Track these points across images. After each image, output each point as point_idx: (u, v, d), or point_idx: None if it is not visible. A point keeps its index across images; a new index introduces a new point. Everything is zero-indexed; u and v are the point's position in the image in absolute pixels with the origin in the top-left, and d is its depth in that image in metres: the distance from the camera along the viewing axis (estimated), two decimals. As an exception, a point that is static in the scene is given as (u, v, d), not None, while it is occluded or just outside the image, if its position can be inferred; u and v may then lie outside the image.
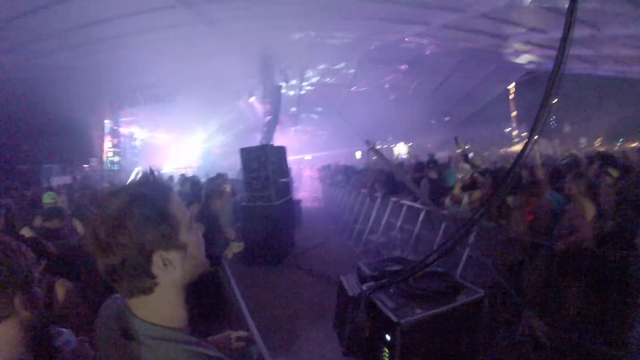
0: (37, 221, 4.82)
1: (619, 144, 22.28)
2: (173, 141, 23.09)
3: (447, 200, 5.41)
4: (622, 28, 13.00)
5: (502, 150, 26.83)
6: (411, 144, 31.30)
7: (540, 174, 4.95)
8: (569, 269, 3.93)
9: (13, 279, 1.17)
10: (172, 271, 0.98)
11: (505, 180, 2.87)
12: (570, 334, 3.77)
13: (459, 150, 6.33)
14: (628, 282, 3.47)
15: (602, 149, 15.52)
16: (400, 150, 30.48)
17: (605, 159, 5.41)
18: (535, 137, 2.60)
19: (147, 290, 0.97)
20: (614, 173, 4.84)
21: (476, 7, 13.50)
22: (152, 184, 1.07)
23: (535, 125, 2.60)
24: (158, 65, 17.64)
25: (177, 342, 0.94)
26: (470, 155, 11.29)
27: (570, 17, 2.34)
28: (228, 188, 8.69)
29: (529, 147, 2.65)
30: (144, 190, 1.01)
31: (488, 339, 4.09)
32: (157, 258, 0.96)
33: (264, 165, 7.40)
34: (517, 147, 30.17)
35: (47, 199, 6.12)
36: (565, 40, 2.39)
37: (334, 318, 3.88)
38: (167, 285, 0.99)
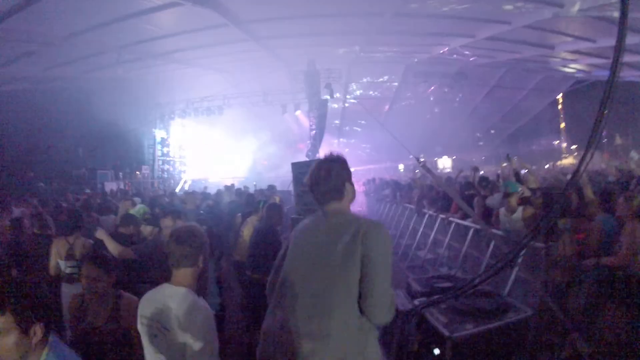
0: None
1: None
2: (221, 152, 23.97)
3: (502, 209, 5.45)
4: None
5: (549, 165, 25.90)
6: (455, 157, 30.88)
7: (589, 194, 4.93)
8: (616, 293, 3.95)
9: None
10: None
11: (558, 204, 2.97)
12: (615, 358, 3.79)
13: (507, 165, 6.35)
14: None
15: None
16: (445, 163, 30.13)
17: None
18: (589, 156, 2.67)
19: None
20: None
21: (521, 18, 13.42)
22: None
23: (590, 142, 2.66)
24: (208, 79, 18.70)
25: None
26: (523, 171, 11.16)
27: (622, 27, 2.43)
28: (277, 199, 9.05)
29: (583, 167, 2.71)
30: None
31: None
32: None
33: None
34: (566, 161, 29.03)
35: (138, 213, 5.88)
36: (619, 50, 2.48)
37: (381, 330, 4.08)
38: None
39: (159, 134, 20.48)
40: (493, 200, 6.03)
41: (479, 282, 3.11)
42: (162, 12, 11.52)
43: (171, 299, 2.06)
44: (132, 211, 5.91)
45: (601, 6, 11.08)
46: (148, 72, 17.34)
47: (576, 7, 11.61)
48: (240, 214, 6.57)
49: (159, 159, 20.62)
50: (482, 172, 11.27)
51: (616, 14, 10.97)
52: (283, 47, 16.00)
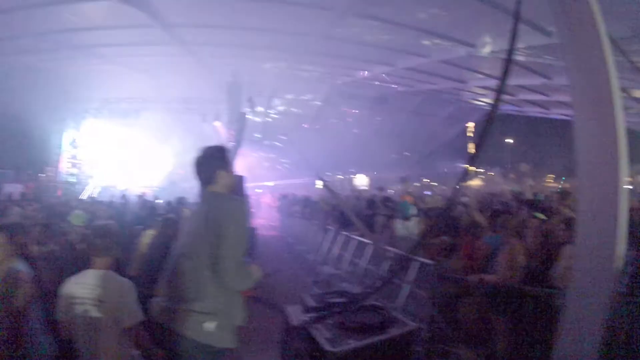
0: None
1: (562, 182, 23.80)
2: (136, 158, 22.58)
3: (399, 223, 5.73)
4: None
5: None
6: (371, 176, 31.99)
7: (476, 216, 5.33)
8: (499, 305, 4.25)
9: None
10: None
11: (437, 223, 3.19)
12: None
13: (404, 188, 6.72)
14: (552, 316, 3.79)
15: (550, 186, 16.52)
16: (361, 181, 31.08)
17: (531, 205, 5.84)
18: (460, 184, 2.93)
19: None
20: (541, 216, 5.25)
21: (439, 54, 14.43)
22: None
23: (466, 172, 2.94)
24: (128, 79, 17.53)
25: None
26: (428, 192, 11.78)
27: (506, 69, 2.72)
28: (187, 213, 8.69)
29: (457, 194, 2.98)
30: None
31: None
32: None
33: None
34: (474, 182, 31.70)
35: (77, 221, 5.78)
36: (500, 90, 2.76)
37: (280, 347, 4.03)
38: None
39: (69, 133, 18.72)
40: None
41: (364, 297, 3.18)
42: (87, 3, 10.89)
43: (98, 279, 2.56)
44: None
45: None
46: (63, 65, 15.73)
47: (488, 49, 12.74)
48: (142, 228, 6.24)
49: (66, 161, 18.81)
50: (393, 191, 11.80)
51: (521, 58, 12.23)
52: (208, 56, 15.61)
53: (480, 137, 2.82)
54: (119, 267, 3.02)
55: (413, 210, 5.63)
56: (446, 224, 4.85)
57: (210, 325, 2.28)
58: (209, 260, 2.27)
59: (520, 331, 4.13)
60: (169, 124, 20.05)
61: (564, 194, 4.87)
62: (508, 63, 2.82)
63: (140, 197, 12.32)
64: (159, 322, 2.40)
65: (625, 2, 9.37)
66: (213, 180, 2.49)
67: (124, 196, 12.21)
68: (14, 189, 14.32)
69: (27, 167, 18.04)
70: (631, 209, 3.18)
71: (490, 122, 2.81)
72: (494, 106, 2.84)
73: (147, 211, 8.36)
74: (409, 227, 5.50)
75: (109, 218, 7.81)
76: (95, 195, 16.94)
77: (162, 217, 5.32)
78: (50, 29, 12.43)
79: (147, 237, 5.26)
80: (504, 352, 4.21)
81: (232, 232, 2.29)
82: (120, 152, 21.89)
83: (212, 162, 2.52)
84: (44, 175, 18.65)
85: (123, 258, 3.94)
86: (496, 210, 6.19)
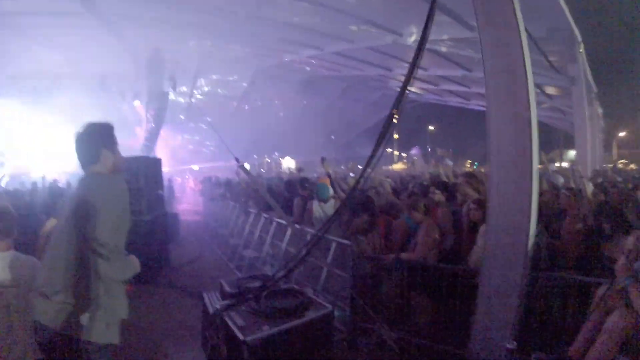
0: None
1: (475, 167, 25.62)
2: (48, 141, 20.57)
3: (316, 205, 5.77)
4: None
5: (383, 168, 28.67)
6: (298, 159, 32.18)
7: (389, 197, 5.49)
8: (417, 282, 4.41)
9: None
10: None
11: (345, 202, 3.21)
12: (421, 339, 4.22)
13: (323, 170, 6.73)
14: (469, 292, 4.01)
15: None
16: (289, 164, 31.14)
17: (443, 186, 6.07)
18: (370, 167, 2.95)
19: None
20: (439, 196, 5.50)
21: (366, 40, 14.61)
22: None
23: (373, 153, 2.96)
24: (38, 53, 15.71)
25: None
26: (351, 174, 11.98)
27: (417, 54, 2.75)
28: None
29: (364, 173, 3.01)
30: None
31: (348, 347, 4.44)
32: None
33: (137, 177, 7.04)
34: (396, 166, 33.23)
35: None
36: (409, 74, 2.79)
37: (201, 337, 3.88)
38: None
39: None
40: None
41: (276, 280, 3.13)
42: None
43: (2, 260, 2.53)
44: None
45: (434, 40, 12.65)
46: None
47: (413, 38, 13.11)
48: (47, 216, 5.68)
49: None
50: (316, 174, 11.89)
51: (444, 49, 12.74)
52: (127, 29, 14.46)
53: (386, 121, 2.82)
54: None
55: (329, 192, 5.66)
56: (363, 205, 4.92)
57: (84, 318, 2.03)
58: (82, 246, 2.04)
59: (440, 307, 4.33)
60: (84, 103, 18.46)
61: (469, 176, 5.11)
62: (420, 47, 2.84)
63: (52, 183, 11.30)
64: (39, 321, 2.11)
65: (543, 3, 10.09)
66: (95, 160, 2.25)
67: (33, 183, 11.14)
68: None
69: None
70: (541, 193, 3.41)
71: (396, 106, 2.82)
72: (402, 90, 2.85)
73: (56, 199, 7.66)
74: (326, 209, 5.52)
75: (14, 208, 7.09)
76: (3, 184, 15.26)
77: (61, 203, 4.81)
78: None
79: (51, 225, 4.80)
80: (424, 328, 4.40)
81: (108, 215, 2.05)
82: (31, 135, 19.84)
83: (96, 140, 2.28)
84: None
85: (25, 246, 3.56)
86: (413, 192, 6.46)
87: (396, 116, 2.90)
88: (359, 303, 4.51)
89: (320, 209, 5.61)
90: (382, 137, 2.74)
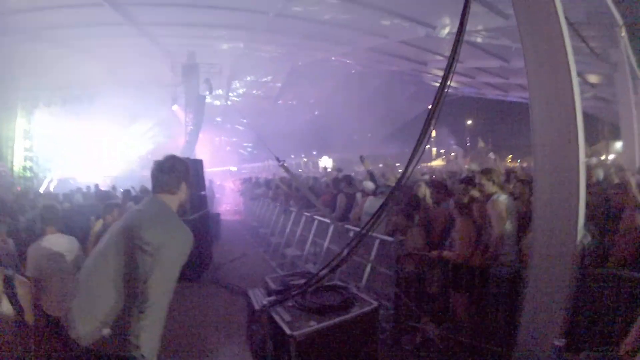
0: None
1: (511, 162, 24.70)
2: (92, 147, 21.48)
3: (370, 199, 5.78)
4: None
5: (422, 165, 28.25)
6: (334, 158, 32.15)
7: (423, 192, 5.36)
8: (461, 283, 4.32)
9: None
10: None
11: (389, 198, 3.18)
12: (462, 336, 4.15)
13: (365, 169, 6.70)
14: (514, 292, 3.90)
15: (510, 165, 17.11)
16: (326, 163, 31.18)
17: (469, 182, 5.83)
18: (416, 160, 2.91)
19: None
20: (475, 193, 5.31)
21: (398, 34, 14.42)
22: None
23: (416, 148, 2.92)
24: (79, 63, 16.44)
25: None
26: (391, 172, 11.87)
27: (455, 46, 2.69)
28: (129, 206, 8.35)
29: (410, 168, 2.96)
30: None
31: (392, 345, 4.42)
32: None
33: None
34: (435, 163, 32.47)
35: None
36: (449, 68, 2.73)
37: (246, 332, 3.97)
38: None
39: (20, 125, 17.01)
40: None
41: (321, 277, 3.14)
42: None
43: (59, 237, 3.73)
44: None
45: (469, 32, 12.35)
46: (9, 52, 14.59)
47: (446, 30, 12.82)
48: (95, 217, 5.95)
49: (20, 155, 17.07)
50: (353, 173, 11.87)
51: (479, 39, 12.36)
52: (163, 36, 14.97)
53: (427, 118, 2.76)
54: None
55: (379, 186, 5.65)
56: (408, 202, 4.86)
57: (106, 331, 1.97)
58: (127, 283, 1.95)
59: (483, 306, 4.23)
60: (125, 109, 19.24)
61: (485, 172, 4.84)
62: (458, 40, 2.75)
63: (96, 187, 11.81)
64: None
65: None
66: (175, 189, 2.27)
67: (78, 188, 11.70)
68: None
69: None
70: (589, 186, 3.27)
71: (437, 103, 2.76)
72: (442, 85, 2.78)
73: (102, 201, 7.99)
74: (375, 204, 5.48)
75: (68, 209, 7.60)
76: (52, 189, 16.03)
77: (105, 204, 5.11)
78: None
79: (98, 226, 5.04)
80: (467, 326, 4.31)
81: (169, 263, 2.02)
82: (77, 141, 20.75)
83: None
84: None
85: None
86: (447, 188, 6.29)
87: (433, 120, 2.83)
88: (402, 300, 4.47)
89: (370, 204, 5.60)
90: (424, 134, 2.68)
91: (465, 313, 4.38)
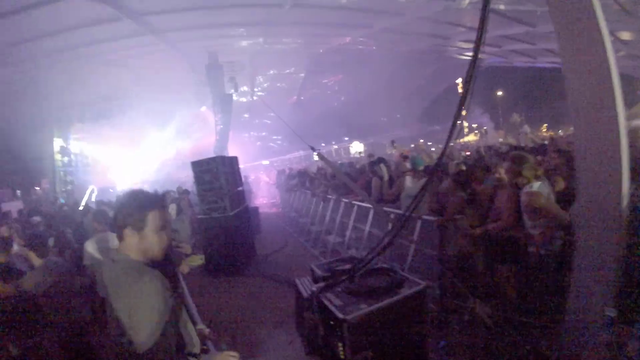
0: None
1: (547, 131, 23.77)
2: (126, 155, 22.26)
3: (408, 177, 5.79)
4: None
5: (457, 142, 27.69)
6: (365, 142, 31.90)
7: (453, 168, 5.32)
8: (505, 256, 4.25)
9: None
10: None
11: (430, 178, 3.14)
12: (510, 313, 4.09)
13: (396, 152, 6.68)
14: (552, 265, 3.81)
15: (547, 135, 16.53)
16: (357, 148, 30.99)
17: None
18: (453, 138, 2.87)
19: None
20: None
21: (414, 11, 14.14)
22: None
23: (454, 123, 2.87)
24: (106, 77, 17.11)
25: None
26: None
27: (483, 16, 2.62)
28: (171, 208, 8.61)
29: (448, 144, 2.92)
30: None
31: (439, 325, 4.42)
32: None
33: (217, 176, 7.42)
34: (467, 138, 31.68)
35: None
36: (480, 37, 2.66)
37: (295, 320, 4.06)
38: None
39: (57, 142, 18.10)
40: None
41: (368, 261, 3.16)
42: (48, 6, 10.48)
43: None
44: None
45: None
46: (38, 74, 14.94)
47: (466, 0, 12.44)
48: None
49: (60, 170, 18.23)
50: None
51: (502, 7, 11.91)
52: (183, 40, 15.29)
53: (464, 93, 2.70)
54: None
55: (423, 163, 5.67)
56: (456, 180, 4.81)
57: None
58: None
59: (529, 279, 4.15)
60: (155, 114, 19.73)
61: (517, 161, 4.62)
62: (485, 8, 2.66)
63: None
64: None
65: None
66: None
67: (118, 197, 12.14)
68: (15, 206, 14.00)
69: (23, 183, 17.76)
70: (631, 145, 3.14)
71: (470, 76, 2.68)
72: (474, 58, 2.70)
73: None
74: (419, 184, 5.45)
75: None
76: (93, 198, 16.74)
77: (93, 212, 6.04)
78: (20, 38, 12.08)
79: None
80: (514, 302, 4.24)
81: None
82: (112, 151, 21.62)
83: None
84: (39, 188, 18.40)
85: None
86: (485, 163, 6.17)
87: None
88: (448, 280, 4.44)
89: (413, 184, 5.59)
90: (459, 112, 2.64)
91: (513, 288, 4.32)
